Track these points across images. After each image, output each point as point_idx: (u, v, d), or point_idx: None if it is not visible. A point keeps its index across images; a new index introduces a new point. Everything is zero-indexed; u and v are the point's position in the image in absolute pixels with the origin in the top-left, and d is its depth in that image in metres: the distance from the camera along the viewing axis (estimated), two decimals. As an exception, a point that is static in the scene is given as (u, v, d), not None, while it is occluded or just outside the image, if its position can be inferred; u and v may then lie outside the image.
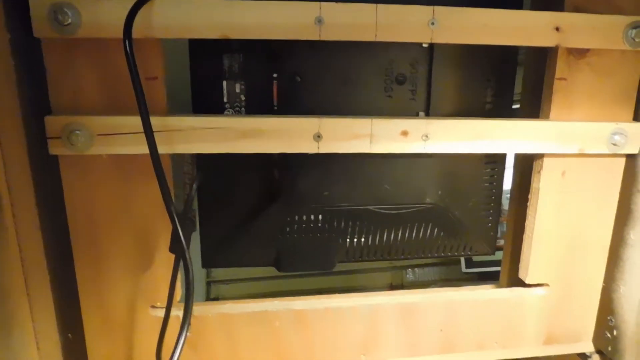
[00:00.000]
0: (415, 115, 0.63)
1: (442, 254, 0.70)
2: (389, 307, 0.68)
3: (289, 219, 0.65)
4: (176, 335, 0.56)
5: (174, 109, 0.59)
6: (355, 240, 0.68)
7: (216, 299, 2.07)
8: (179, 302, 0.63)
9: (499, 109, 0.65)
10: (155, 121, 0.53)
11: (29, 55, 0.54)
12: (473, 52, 0.62)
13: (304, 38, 0.55)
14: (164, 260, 0.62)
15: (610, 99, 0.63)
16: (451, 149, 0.61)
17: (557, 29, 0.58)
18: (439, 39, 0.57)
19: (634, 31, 0.59)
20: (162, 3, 0.52)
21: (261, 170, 0.64)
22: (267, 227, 0.65)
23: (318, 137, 0.58)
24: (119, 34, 0.51)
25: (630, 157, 0.65)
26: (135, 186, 0.59)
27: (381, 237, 0.68)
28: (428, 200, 0.66)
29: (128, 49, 0.49)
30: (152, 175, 0.57)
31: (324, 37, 0.55)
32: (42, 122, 0.54)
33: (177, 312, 0.62)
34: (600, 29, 0.59)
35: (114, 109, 0.56)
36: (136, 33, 0.51)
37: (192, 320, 0.64)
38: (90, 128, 0.55)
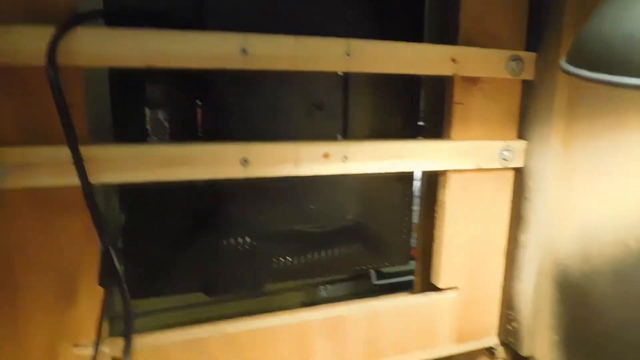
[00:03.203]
0: (334, 138, 0.68)
1: (364, 267, 0.75)
2: (318, 322, 0.71)
3: (216, 244, 0.66)
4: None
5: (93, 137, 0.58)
6: (283, 261, 0.70)
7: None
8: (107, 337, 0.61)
9: (407, 130, 0.72)
10: (78, 151, 0.52)
11: None
12: (383, 80, 0.69)
13: (230, 67, 0.57)
14: (88, 295, 0.59)
15: (499, 120, 0.73)
16: (368, 168, 0.66)
17: (454, 60, 0.66)
18: (353, 69, 0.62)
19: (513, 63, 0.69)
20: (85, 31, 0.52)
21: (187, 195, 0.65)
22: (194, 253, 0.66)
23: (245, 162, 0.60)
24: (37, 61, 0.49)
25: (517, 170, 0.75)
26: (55, 220, 0.56)
27: (307, 256, 0.71)
28: (349, 217, 0.70)
29: (53, 77, 0.48)
30: (73, 208, 0.56)
31: (248, 67, 0.57)
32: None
33: (104, 348, 0.60)
34: (487, 61, 0.68)
35: (30, 139, 0.54)
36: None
37: (120, 355, 0.62)
38: (5, 160, 0.52)
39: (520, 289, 0.76)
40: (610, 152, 0.63)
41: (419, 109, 0.73)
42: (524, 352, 0.77)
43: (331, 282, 2.33)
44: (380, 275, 2.21)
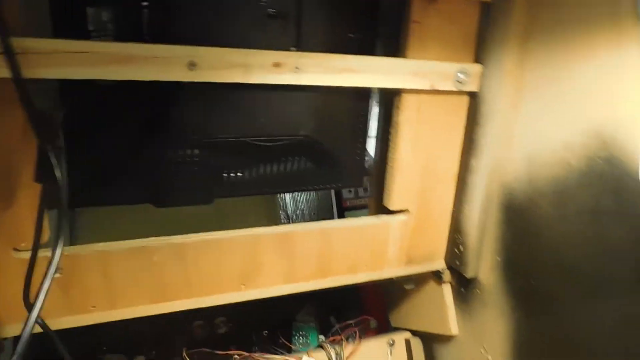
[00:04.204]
0: (287, 50, 0.66)
1: (315, 187, 0.75)
2: (269, 237, 0.71)
3: (165, 152, 0.65)
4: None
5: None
6: (233, 174, 0.69)
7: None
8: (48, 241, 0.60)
9: (363, 48, 0.71)
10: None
11: None
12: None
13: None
14: (28, 197, 0.58)
15: (456, 43, 0.72)
16: (320, 81, 0.65)
17: (412, -28, 0.65)
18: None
19: (473, -19, 0.68)
20: None
21: (134, 101, 0.63)
22: (142, 162, 0.64)
23: (192, 65, 0.58)
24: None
25: (472, 95, 0.75)
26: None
27: (258, 170, 0.70)
28: (302, 132, 0.70)
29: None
30: (7, 101, 0.53)
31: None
32: None
33: (46, 253, 0.59)
34: (447, -23, 0.67)
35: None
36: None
37: (64, 260, 0.61)
38: None
39: (469, 213, 0.78)
40: (559, 77, 0.63)
41: (376, 27, 0.72)
42: (469, 274, 0.79)
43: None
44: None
